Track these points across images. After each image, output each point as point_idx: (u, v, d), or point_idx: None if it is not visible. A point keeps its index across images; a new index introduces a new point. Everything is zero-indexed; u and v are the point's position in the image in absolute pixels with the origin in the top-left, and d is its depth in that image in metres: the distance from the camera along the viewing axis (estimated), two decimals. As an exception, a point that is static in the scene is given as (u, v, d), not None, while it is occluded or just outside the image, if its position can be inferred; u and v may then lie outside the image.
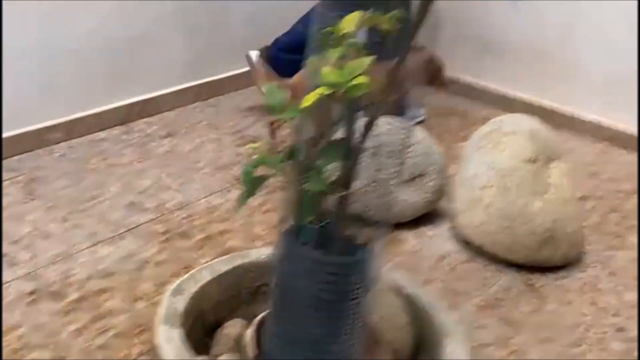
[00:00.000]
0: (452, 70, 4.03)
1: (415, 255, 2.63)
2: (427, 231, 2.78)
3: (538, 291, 2.50)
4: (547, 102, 3.78)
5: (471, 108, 3.93)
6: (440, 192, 2.84)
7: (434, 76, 3.45)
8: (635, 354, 2.24)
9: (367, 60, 1.69)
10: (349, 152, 1.78)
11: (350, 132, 1.76)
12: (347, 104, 1.75)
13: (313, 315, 1.77)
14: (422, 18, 1.67)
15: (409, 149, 2.76)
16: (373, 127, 1.78)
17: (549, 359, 2.19)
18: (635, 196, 3.18)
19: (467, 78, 4.05)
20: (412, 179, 2.76)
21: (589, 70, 3.62)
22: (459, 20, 3.99)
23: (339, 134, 1.81)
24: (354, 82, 1.63)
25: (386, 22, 1.73)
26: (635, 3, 3.35)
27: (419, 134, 2.83)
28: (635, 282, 2.60)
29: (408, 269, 2.54)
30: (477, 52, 4.01)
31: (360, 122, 1.79)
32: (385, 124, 2.19)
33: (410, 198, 2.74)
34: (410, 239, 2.73)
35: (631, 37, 3.49)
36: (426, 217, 2.83)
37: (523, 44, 3.82)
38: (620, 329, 2.35)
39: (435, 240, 2.74)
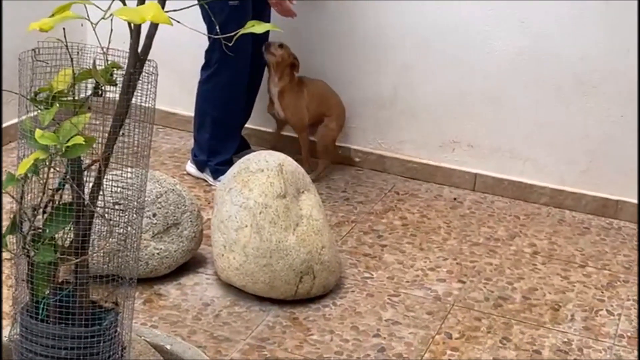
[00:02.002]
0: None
1: (177, 308, 2.56)
2: (188, 281, 2.72)
3: (302, 324, 2.52)
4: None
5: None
6: (198, 238, 2.79)
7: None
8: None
9: (84, 119, 1.62)
10: (80, 215, 1.69)
11: (77, 194, 1.67)
12: (70, 165, 1.66)
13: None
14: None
15: (159, 199, 2.69)
16: (102, 185, 1.71)
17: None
18: (386, 216, 3.33)
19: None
20: (167, 229, 2.69)
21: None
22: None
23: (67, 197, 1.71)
24: (71, 142, 1.55)
25: (101, 75, 1.67)
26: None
27: (170, 181, 2.77)
28: (390, 301, 2.70)
29: (171, 324, 2.47)
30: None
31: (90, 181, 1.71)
32: (127, 178, 2.10)
33: (167, 249, 2.67)
34: (172, 291, 2.66)
35: (372, 63, 3.66)
36: (186, 266, 2.78)
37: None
38: (381, 349, 2.42)
39: (197, 289, 2.68)
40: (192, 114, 4.11)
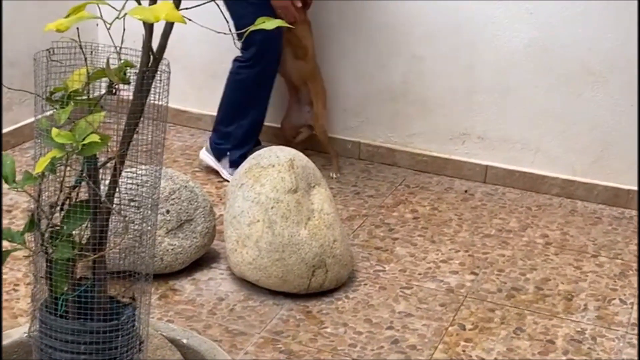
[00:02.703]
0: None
1: (192, 303, 2.59)
2: (202, 276, 2.75)
3: (315, 317, 2.54)
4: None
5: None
6: (211, 234, 2.81)
7: None
8: (413, 361, 2.34)
9: (99, 117, 1.64)
10: (96, 212, 1.71)
11: (93, 191, 1.70)
12: (85, 162, 1.68)
13: (81, 388, 1.67)
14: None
15: (173, 196, 2.72)
16: (118, 182, 1.73)
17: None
18: (397, 209, 3.35)
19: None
20: (180, 225, 2.71)
21: (339, 93, 3.77)
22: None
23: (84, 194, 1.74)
24: (87, 141, 1.57)
25: (115, 74, 1.70)
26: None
27: (182, 178, 2.80)
28: (403, 293, 2.72)
29: (186, 318, 2.49)
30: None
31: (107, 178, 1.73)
32: (142, 175, 2.13)
33: (181, 245, 2.70)
34: (187, 286, 2.68)
35: (373, 57, 3.68)
36: (200, 262, 2.80)
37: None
38: (395, 341, 2.44)
39: (211, 284, 2.71)
40: (203, 111, 4.16)
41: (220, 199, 3.33)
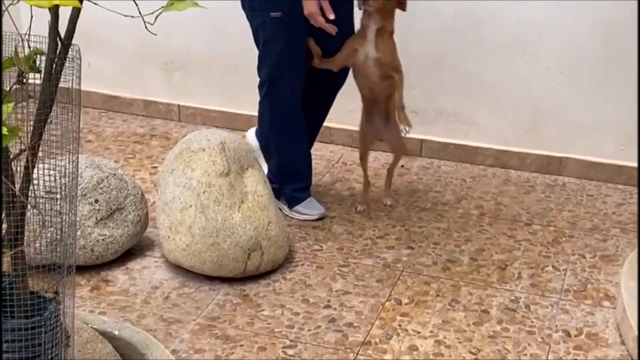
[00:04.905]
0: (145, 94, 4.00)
1: (125, 293, 2.54)
2: (136, 265, 2.70)
3: (252, 300, 2.52)
4: (238, 111, 3.84)
5: (171, 129, 3.90)
6: (143, 222, 2.77)
7: None
8: (351, 339, 2.33)
9: (7, 108, 1.59)
10: (11, 207, 1.66)
11: (6, 185, 1.64)
12: (-4, 156, 1.63)
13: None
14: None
15: (101, 185, 2.66)
16: (31, 174, 1.68)
17: (272, 365, 2.22)
18: (334, 187, 3.34)
19: (163, 100, 4.01)
20: (110, 214, 2.66)
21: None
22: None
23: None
24: (-6, 133, 1.52)
25: (24, 63, 1.64)
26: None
27: (110, 166, 2.74)
28: (340, 271, 2.71)
29: (120, 309, 2.45)
30: (166, 72, 3.98)
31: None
32: (61, 165, 2.07)
33: (112, 235, 2.64)
34: (120, 276, 2.64)
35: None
36: (134, 250, 2.76)
37: (211, 59, 3.86)
38: (332, 320, 2.43)
39: (145, 273, 2.66)
40: (135, 96, 4.10)
41: (155, 185, 3.27)
